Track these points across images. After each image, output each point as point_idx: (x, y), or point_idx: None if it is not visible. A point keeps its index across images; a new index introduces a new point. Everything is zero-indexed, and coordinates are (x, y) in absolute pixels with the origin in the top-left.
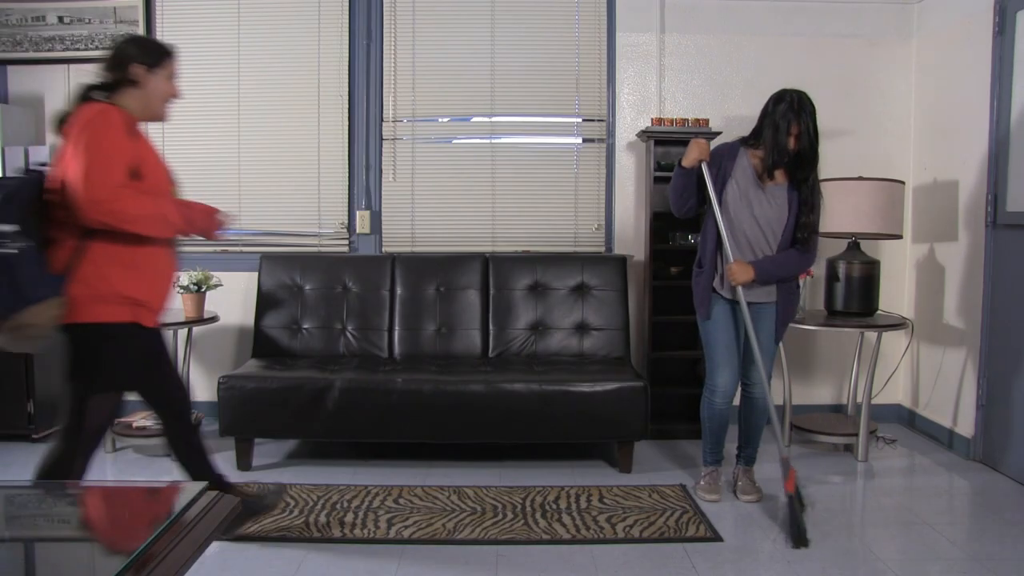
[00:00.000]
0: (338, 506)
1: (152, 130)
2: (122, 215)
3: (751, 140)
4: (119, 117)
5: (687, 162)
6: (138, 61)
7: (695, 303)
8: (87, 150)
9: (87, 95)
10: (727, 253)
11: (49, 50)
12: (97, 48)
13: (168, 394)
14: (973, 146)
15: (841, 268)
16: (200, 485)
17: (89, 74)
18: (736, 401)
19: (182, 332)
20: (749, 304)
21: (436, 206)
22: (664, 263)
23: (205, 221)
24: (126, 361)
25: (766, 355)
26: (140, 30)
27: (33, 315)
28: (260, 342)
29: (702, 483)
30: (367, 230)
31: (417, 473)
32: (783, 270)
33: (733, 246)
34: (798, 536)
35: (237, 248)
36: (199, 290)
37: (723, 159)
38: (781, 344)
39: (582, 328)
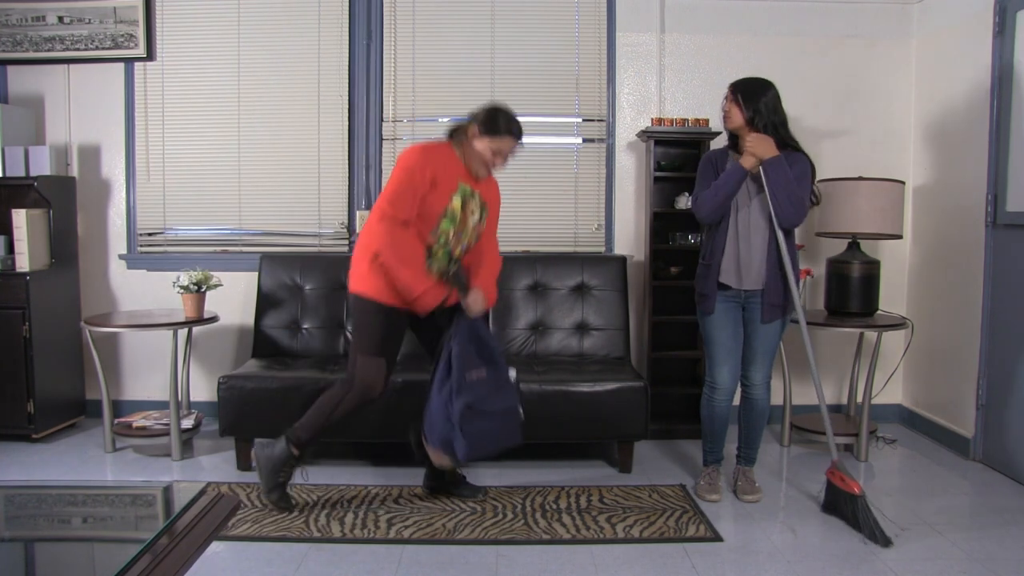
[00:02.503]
0: (338, 506)
1: (152, 131)
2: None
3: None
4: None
5: (749, 164)
6: (476, 122)
7: (697, 297)
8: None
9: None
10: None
11: (49, 50)
12: (97, 48)
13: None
14: (973, 146)
15: (841, 268)
16: (199, 485)
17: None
18: (736, 401)
19: (182, 332)
20: (744, 292)
21: None
22: (664, 263)
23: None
24: None
25: (763, 352)
26: (140, 30)
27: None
28: (260, 342)
29: (702, 483)
30: None
31: (417, 473)
32: (790, 183)
33: (741, 231)
34: (883, 535)
35: (237, 248)
36: (199, 290)
37: (717, 163)
38: (782, 344)
39: (582, 328)
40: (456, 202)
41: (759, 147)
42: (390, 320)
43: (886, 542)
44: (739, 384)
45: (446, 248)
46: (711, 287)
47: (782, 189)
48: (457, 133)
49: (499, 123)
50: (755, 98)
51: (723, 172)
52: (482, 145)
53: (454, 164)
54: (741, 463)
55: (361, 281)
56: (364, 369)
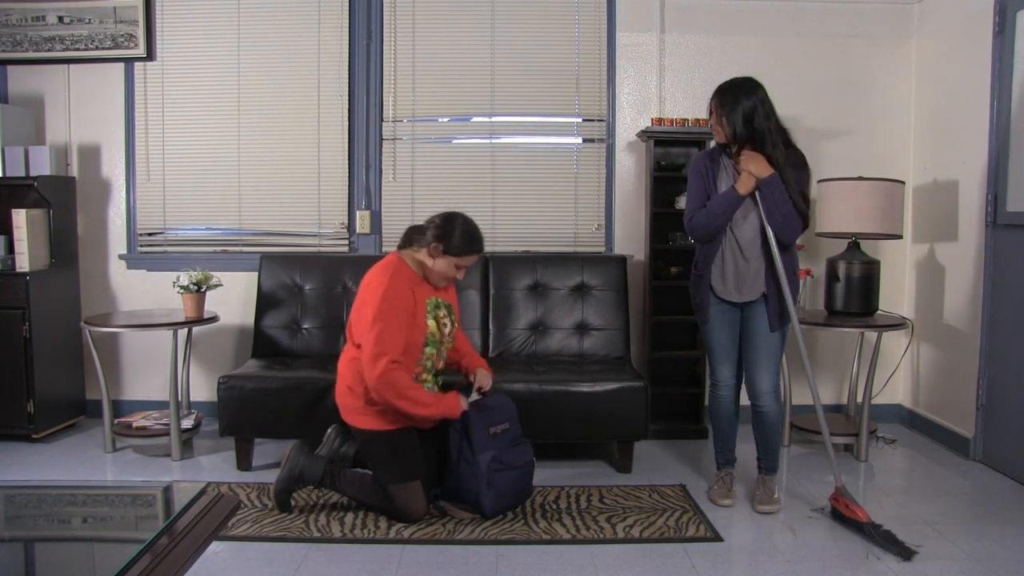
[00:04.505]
0: (338, 506)
1: (152, 131)
2: None
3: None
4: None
5: (745, 190)
6: (442, 242)
7: (693, 306)
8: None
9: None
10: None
11: (49, 50)
12: (97, 48)
13: None
14: (973, 146)
15: (841, 268)
16: (199, 485)
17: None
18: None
19: (182, 332)
20: (741, 304)
21: (436, 206)
22: (664, 263)
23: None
24: None
25: (767, 358)
26: (140, 30)
27: None
28: (260, 342)
29: (715, 487)
30: (367, 230)
31: None
32: (785, 203)
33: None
34: (904, 549)
35: (237, 248)
36: (199, 290)
37: (707, 169)
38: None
39: (582, 328)
40: (432, 324)
41: (752, 165)
42: (404, 441)
43: (908, 554)
44: (748, 393)
45: (432, 370)
46: (704, 296)
47: (778, 208)
48: (411, 244)
49: (475, 244)
50: (735, 109)
51: (714, 178)
52: (447, 264)
53: (417, 283)
54: (761, 472)
55: (359, 416)
56: (403, 500)
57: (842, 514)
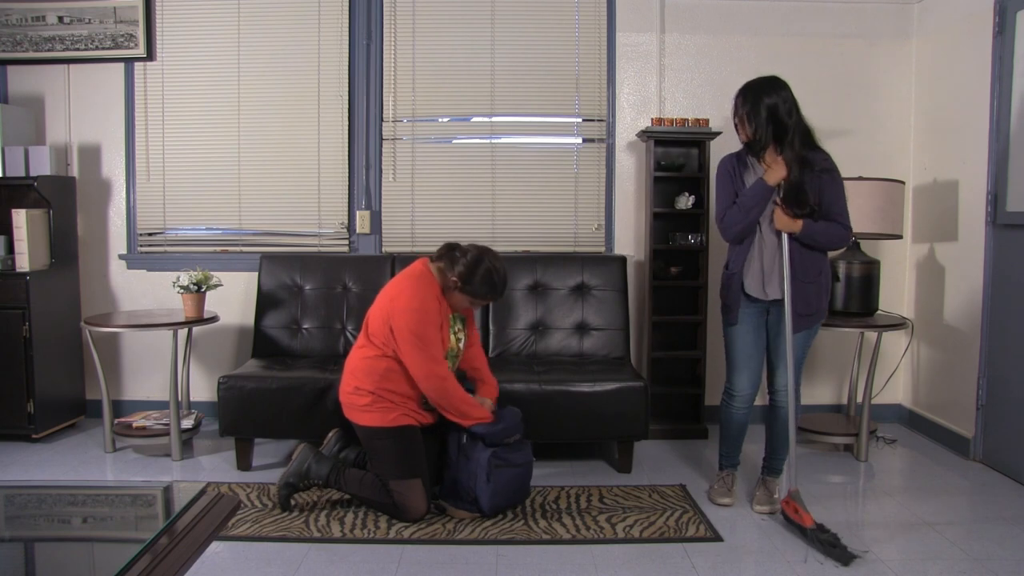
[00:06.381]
0: (338, 506)
1: (152, 131)
2: None
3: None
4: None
5: (774, 180)
6: (465, 282)
7: (722, 307)
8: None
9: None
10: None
11: (49, 50)
12: (97, 48)
13: None
14: (973, 146)
15: (841, 268)
16: (199, 485)
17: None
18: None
19: (182, 332)
20: (770, 301)
21: (436, 206)
22: (664, 263)
23: None
24: None
25: (786, 357)
26: (140, 30)
27: None
28: (260, 342)
29: (716, 486)
30: (367, 230)
31: None
32: (825, 236)
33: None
34: (845, 555)
35: (237, 248)
36: (199, 290)
37: (735, 169)
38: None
39: (582, 328)
40: (453, 339)
41: (781, 223)
42: (407, 438)
43: (848, 559)
44: (766, 391)
45: None
46: (734, 298)
47: (821, 246)
48: (442, 265)
49: (494, 292)
50: (757, 108)
51: (742, 177)
52: (462, 298)
53: (442, 302)
54: (764, 472)
55: (363, 413)
56: (403, 497)
57: (790, 518)
